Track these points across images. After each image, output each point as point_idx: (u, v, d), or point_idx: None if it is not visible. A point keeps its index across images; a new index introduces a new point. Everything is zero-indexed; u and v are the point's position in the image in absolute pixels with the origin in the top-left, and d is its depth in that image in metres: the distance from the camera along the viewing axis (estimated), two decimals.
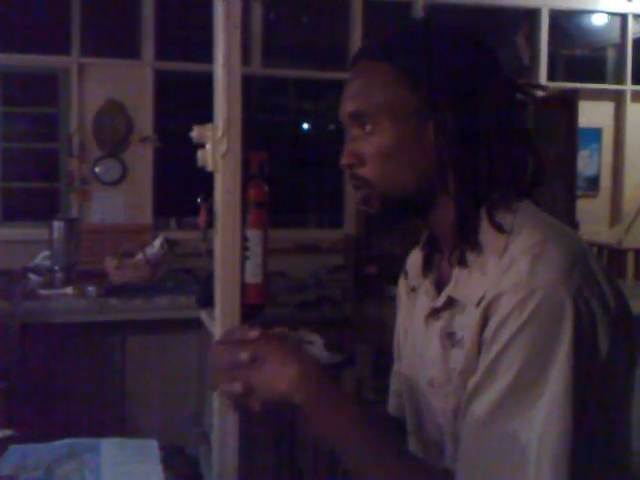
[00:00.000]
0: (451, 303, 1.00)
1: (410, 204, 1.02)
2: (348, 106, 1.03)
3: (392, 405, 1.25)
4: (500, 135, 0.98)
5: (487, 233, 0.97)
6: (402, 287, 1.19)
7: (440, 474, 0.96)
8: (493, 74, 1.00)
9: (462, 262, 0.99)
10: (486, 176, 0.98)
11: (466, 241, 0.98)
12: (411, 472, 0.94)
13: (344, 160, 1.03)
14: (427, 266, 1.11)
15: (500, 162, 0.98)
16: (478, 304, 0.94)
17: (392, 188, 1.01)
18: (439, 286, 1.06)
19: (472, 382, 0.92)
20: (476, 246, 0.97)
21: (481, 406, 0.90)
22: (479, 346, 0.93)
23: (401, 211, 1.04)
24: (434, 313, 1.04)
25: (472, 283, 0.97)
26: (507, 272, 0.91)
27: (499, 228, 0.96)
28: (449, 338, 1.00)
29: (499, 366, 0.89)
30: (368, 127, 1.01)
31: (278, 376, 0.95)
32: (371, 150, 1.01)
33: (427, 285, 1.09)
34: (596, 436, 0.89)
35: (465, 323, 0.96)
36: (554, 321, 0.87)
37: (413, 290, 1.14)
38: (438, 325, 1.02)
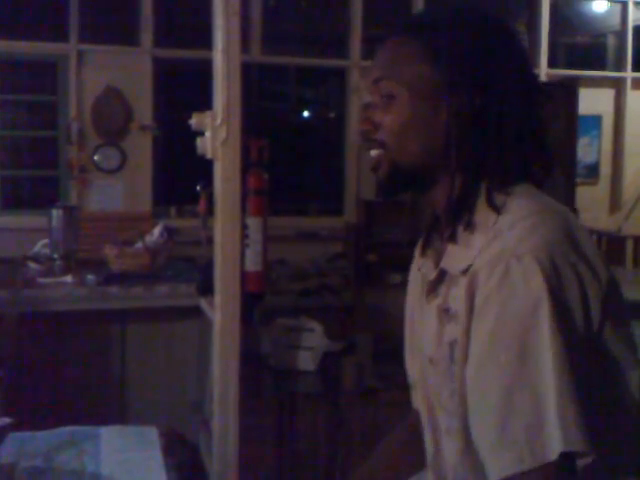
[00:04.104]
0: (444, 276, 1.04)
1: (415, 176, 1.07)
2: (373, 73, 1.09)
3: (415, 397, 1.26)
4: (511, 124, 1.01)
5: (481, 213, 1.01)
6: (412, 270, 1.22)
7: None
8: (515, 65, 1.04)
9: (453, 239, 1.03)
10: (490, 160, 1.01)
11: (460, 219, 1.02)
12: None
13: (361, 126, 1.09)
14: (427, 246, 1.15)
15: (507, 149, 1.02)
16: (465, 272, 0.98)
17: (402, 155, 1.05)
18: (438, 264, 1.09)
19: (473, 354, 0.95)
20: (469, 225, 1.01)
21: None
22: (471, 314, 0.96)
23: (406, 181, 1.08)
24: (431, 289, 1.08)
25: (461, 255, 1.01)
26: (493, 242, 0.95)
27: (494, 208, 0.99)
28: (445, 314, 1.03)
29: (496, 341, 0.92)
30: (387, 98, 1.06)
31: None
32: (387, 119, 1.05)
33: (428, 264, 1.12)
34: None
35: (457, 295, 0.99)
36: (533, 283, 0.90)
37: (419, 270, 1.17)
38: (436, 302, 1.06)
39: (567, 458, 0.87)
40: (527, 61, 1.06)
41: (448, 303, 1.02)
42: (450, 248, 1.04)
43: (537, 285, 0.89)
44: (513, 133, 1.01)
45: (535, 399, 0.88)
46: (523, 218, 0.96)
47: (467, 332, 0.97)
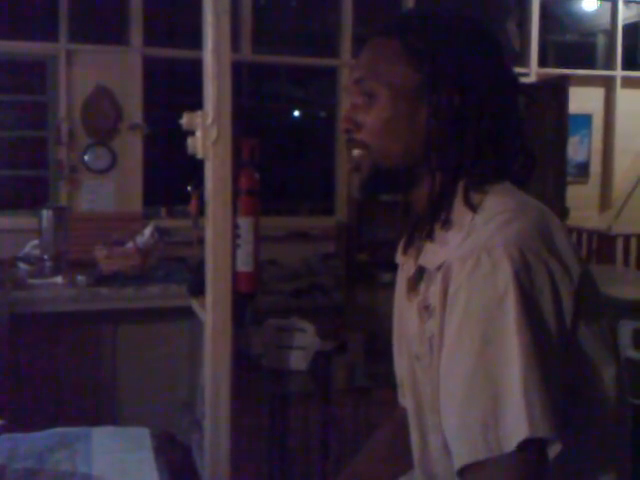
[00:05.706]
0: (422, 272, 1.06)
1: (396, 176, 1.08)
2: (355, 74, 1.10)
3: (402, 395, 1.28)
4: (490, 123, 1.02)
5: (458, 212, 1.02)
6: (399, 269, 1.23)
7: None
8: (494, 65, 1.05)
9: (430, 236, 1.05)
10: (468, 160, 1.03)
11: (437, 218, 1.04)
12: None
13: (343, 125, 1.10)
14: (409, 244, 1.16)
15: (485, 150, 1.03)
16: (439, 268, 0.99)
17: (383, 156, 1.07)
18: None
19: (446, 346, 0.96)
20: (446, 223, 1.03)
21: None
22: (444, 307, 0.97)
23: (387, 181, 1.09)
24: (412, 286, 1.10)
25: (438, 252, 1.02)
26: (468, 238, 0.97)
27: (470, 207, 1.01)
28: (425, 310, 1.04)
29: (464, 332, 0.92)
30: (369, 97, 1.07)
31: None
32: (368, 120, 1.07)
33: (409, 262, 1.14)
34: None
35: (435, 291, 1.00)
36: (501, 275, 0.90)
37: (403, 268, 1.19)
38: (417, 300, 1.07)
39: (540, 450, 0.87)
40: (506, 61, 1.07)
41: (428, 300, 1.04)
42: (428, 246, 1.05)
43: (505, 277, 0.90)
44: (491, 132, 1.03)
45: (494, 389, 0.88)
46: (497, 214, 0.97)
47: (441, 325, 0.98)
